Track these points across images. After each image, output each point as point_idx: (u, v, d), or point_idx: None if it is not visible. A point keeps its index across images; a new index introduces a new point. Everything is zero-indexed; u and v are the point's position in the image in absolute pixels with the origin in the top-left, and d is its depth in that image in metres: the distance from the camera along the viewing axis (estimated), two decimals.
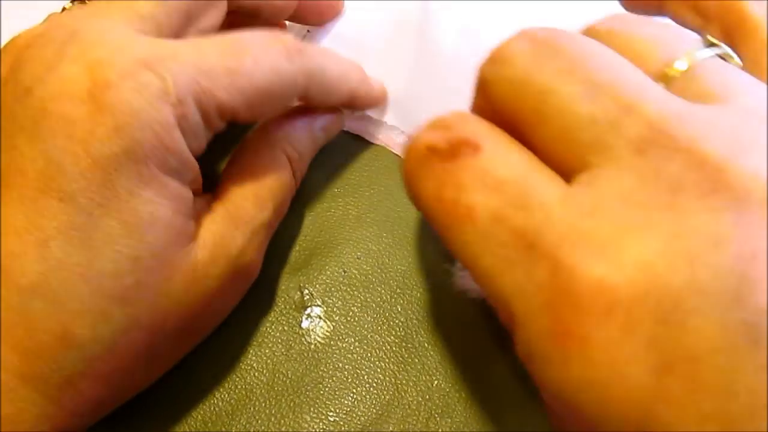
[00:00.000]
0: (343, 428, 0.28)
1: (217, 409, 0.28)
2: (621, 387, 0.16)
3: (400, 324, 0.30)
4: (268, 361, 0.29)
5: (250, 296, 0.29)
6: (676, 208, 0.16)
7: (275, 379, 0.28)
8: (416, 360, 0.29)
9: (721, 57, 0.21)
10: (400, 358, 0.29)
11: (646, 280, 0.16)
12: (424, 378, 0.28)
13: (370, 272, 0.31)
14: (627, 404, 0.16)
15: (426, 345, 0.29)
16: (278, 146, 0.29)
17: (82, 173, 0.21)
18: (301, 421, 0.27)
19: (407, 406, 0.28)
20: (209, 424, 0.26)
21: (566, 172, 0.19)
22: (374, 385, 0.28)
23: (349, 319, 0.30)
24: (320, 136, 0.31)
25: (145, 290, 0.22)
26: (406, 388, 0.28)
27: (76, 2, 0.28)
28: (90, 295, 0.21)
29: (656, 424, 0.16)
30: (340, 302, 0.30)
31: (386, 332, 0.29)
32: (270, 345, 0.29)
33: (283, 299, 0.30)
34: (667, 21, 0.23)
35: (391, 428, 0.28)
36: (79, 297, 0.21)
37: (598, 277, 0.16)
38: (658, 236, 0.16)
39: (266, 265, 0.29)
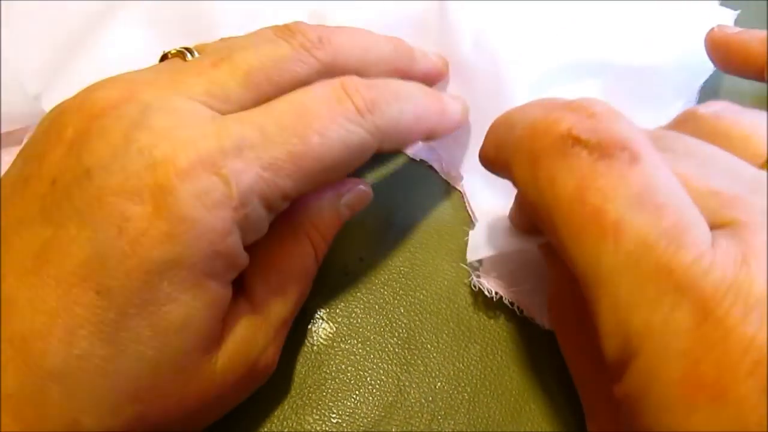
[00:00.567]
0: (345, 429, 0.28)
1: None
2: None
3: (403, 326, 0.30)
4: None
5: None
6: None
7: (278, 381, 0.28)
8: (419, 362, 0.29)
9: None
10: (403, 360, 0.29)
11: None
12: (427, 380, 0.29)
13: (372, 274, 0.31)
14: None
15: (429, 347, 0.29)
16: (302, 231, 0.27)
17: (127, 272, 0.21)
18: (304, 423, 0.27)
19: (410, 408, 0.28)
20: (213, 426, 0.26)
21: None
22: (377, 386, 0.28)
23: (351, 320, 0.30)
24: (345, 214, 0.29)
25: (159, 392, 0.22)
26: (409, 390, 0.28)
27: (179, 53, 0.27)
28: (105, 390, 0.21)
29: None
30: (342, 304, 0.30)
31: (389, 334, 0.29)
32: None
33: None
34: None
35: (393, 430, 0.28)
36: (95, 390, 0.21)
37: (751, 334, 0.16)
38: None
39: None
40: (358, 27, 0.31)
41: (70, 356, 0.20)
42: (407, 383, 0.29)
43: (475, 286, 0.30)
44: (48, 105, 0.33)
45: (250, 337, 0.24)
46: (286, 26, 0.27)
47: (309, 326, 0.30)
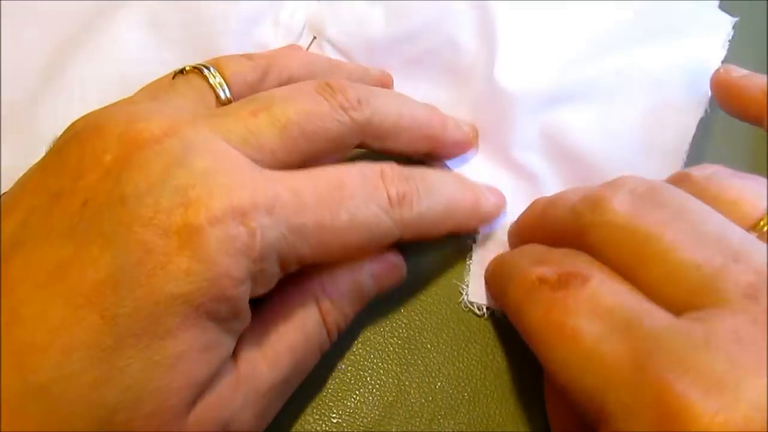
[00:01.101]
0: (346, 429, 0.28)
1: None
2: None
3: (403, 326, 0.30)
4: None
5: None
6: None
7: None
8: (419, 362, 0.29)
9: None
10: (403, 360, 0.29)
11: (761, 419, 0.17)
12: (427, 380, 0.29)
13: None
14: None
15: (429, 347, 0.29)
16: (310, 293, 0.26)
17: (135, 301, 0.21)
18: (304, 423, 0.27)
19: (410, 408, 0.28)
20: None
21: (671, 309, 0.20)
22: (377, 386, 0.28)
23: (352, 320, 0.30)
24: (369, 285, 0.28)
25: (129, 429, 0.21)
26: (409, 390, 0.28)
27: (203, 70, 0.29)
28: (81, 415, 0.21)
29: None
30: None
31: (389, 334, 0.30)
32: None
33: None
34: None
35: (394, 429, 0.28)
36: (73, 413, 0.21)
37: (712, 412, 0.17)
38: None
39: None
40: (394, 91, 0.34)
41: (57, 376, 0.20)
42: (407, 383, 0.29)
43: (466, 306, 0.30)
44: (46, 105, 0.33)
45: (225, 393, 0.23)
46: (327, 84, 0.28)
47: None
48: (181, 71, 0.29)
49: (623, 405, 0.19)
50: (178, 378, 0.22)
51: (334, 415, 0.28)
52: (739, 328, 0.18)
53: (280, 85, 0.30)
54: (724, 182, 0.24)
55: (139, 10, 0.35)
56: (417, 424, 0.28)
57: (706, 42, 0.34)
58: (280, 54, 0.32)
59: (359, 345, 0.29)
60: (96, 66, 0.34)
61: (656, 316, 0.20)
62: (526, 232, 0.29)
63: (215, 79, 0.29)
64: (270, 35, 0.37)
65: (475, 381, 0.29)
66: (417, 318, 0.30)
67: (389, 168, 0.27)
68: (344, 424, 0.28)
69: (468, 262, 0.31)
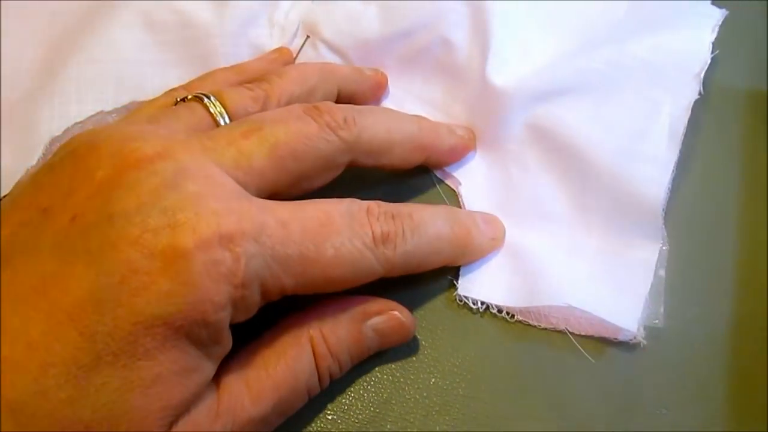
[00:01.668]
0: (341, 426, 0.28)
1: None
2: None
3: None
4: None
5: None
6: None
7: None
8: (414, 358, 0.29)
9: None
10: (398, 357, 0.29)
11: None
12: (422, 376, 0.29)
13: None
14: None
15: (424, 343, 0.29)
16: (307, 335, 0.26)
17: (116, 320, 0.21)
18: (299, 420, 0.27)
19: (405, 404, 0.28)
20: None
21: None
22: (372, 383, 0.29)
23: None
24: (371, 339, 0.28)
25: None
26: (404, 386, 0.28)
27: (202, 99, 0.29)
28: None
29: None
30: None
31: None
32: None
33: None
34: None
35: (389, 426, 0.28)
36: (47, 429, 0.20)
37: None
38: None
39: None
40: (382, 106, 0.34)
41: (33, 391, 0.20)
42: (402, 380, 0.29)
43: (460, 300, 0.30)
44: (44, 106, 0.33)
45: (203, 421, 0.23)
46: (314, 106, 0.28)
47: None
48: (183, 99, 0.30)
49: None
50: (154, 400, 0.22)
51: (329, 412, 0.28)
52: None
53: None
54: None
55: (134, 11, 0.35)
56: (412, 420, 0.28)
57: (696, 27, 0.34)
58: (276, 77, 0.32)
59: None
60: (92, 67, 0.34)
61: None
62: None
63: (216, 109, 0.29)
64: (265, 36, 0.37)
65: (469, 377, 0.29)
66: (411, 314, 0.30)
67: (376, 206, 0.27)
68: (339, 421, 0.28)
69: None
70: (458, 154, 0.34)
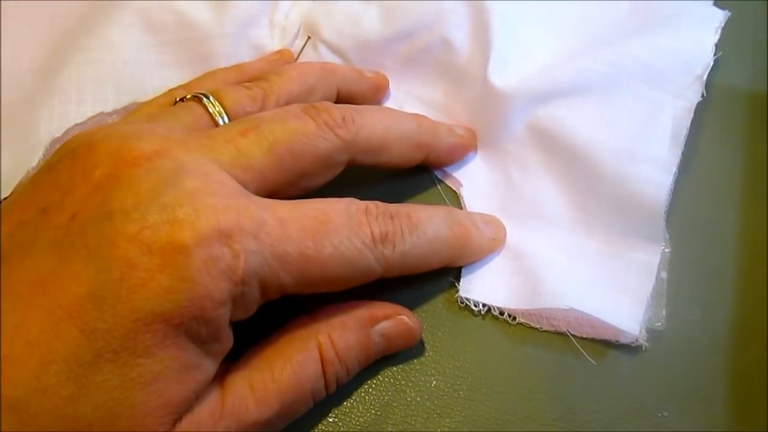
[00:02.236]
0: (342, 429, 0.28)
1: None
2: None
3: None
4: None
5: None
6: None
7: None
8: (415, 360, 0.29)
9: None
10: (399, 359, 0.29)
11: None
12: (423, 378, 0.29)
13: None
14: None
15: (425, 345, 0.29)
16: (314, 340, 0.26)
17: (116, 317, 0.21)
18: (300, 422, 0.27)
19: (406, 407, 0.28)
20: None
21: None
22: (373, 385, 0.28)
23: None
24: (378, 343, 0.28)
25: None
26: (405, 389, 0.28)
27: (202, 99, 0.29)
28: (57, 429, 0.20)
29: None
30: None
31: None
32: None
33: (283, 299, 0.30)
34: None
35: (390, 428, 0.28)
36: (48, 426, 0.20)
37: None
38: None
39: None
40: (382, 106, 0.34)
41: (33, 389, 0.20)
42: (403, 382, 0.29)
43: (462, 302, 0.30)
44: (43, 106, 0.33)
45: (207, 421, 0.23)
46: (312, 105, 0.28)
47: None
48: (182, 99, 0.30)
49: None
50: (154, 397, 0.22)
51: (330, 415, 0.28)
52: None
53: None
54: None
55: (134, 12, 0.35)
56: (413, 423, 0.28)
57: (698, 29, 0.34)
58: (275, 76, 0.32)
59: None
60: (92, 67, 0.34)
61: None
62: None
63: (215, 108, 0.29)
64: (265, 37, 0.37)
65: (471, 380, 0.29)
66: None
67: (374, 206, 0.27)
68: (340, 424, 0.28)
69: None
70: (458, 153, 0.34)
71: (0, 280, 0.22)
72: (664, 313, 0.30)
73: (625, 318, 0.29)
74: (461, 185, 0.33)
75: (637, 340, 0.29)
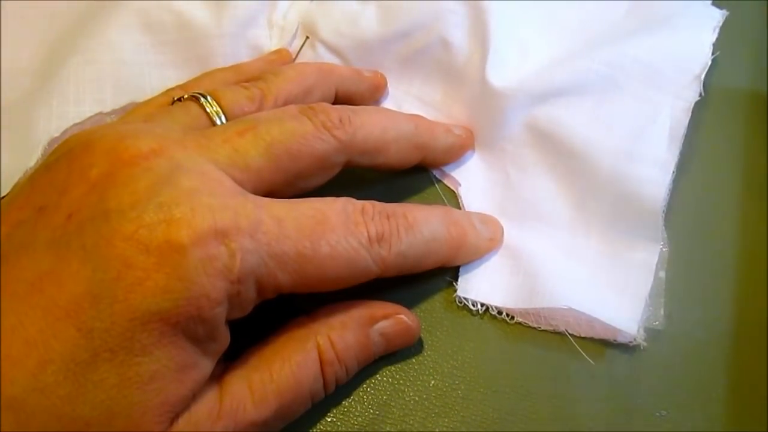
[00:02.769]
0: (340, 428, 0.28)
1: None
2: None
3: None
4: None
5: None
6: None
7: None
8: (413, 360, 0.29)
9: None
10: (398, 358, 0.29)
11: None
12: (421, 378, 0.29)
13: None
14: None
15: (423, 345, 0.29)
16: (313, 340, 0.26)
17: (113, 316, 0.21)
18: (299, 422, 0.27)
19: (404, 406, 0.28)
20: None
21: None
22: (372, 385, 0.28)
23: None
24: (378, 343, 0.28)
25: None
26: (403, 388, 0.28)
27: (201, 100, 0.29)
28: (55, 429, 0.21)
29: None
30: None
31: None
32: None
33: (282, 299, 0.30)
34: None
35: (388, 428, 0.28)
36: (46, 426, 0.21)
37: None
38: None
39: None
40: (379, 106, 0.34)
41: (31, 388, 0.20)
42: (402, 382, 0.29)
43: (460, 301, 0.30)
44: (42, 106, 0.33)
45: (204, 421, 0.23)
46: (309, 106, 0.28)
47: None
48: (180, 99, 0.30)
49: None
50: (152, 396, 0.22)
51: (328, 415, 0.28)
52: None
53: None
54: None
55: (132, 12, 0.35)
56: (411, 422, 0.28)
57: (696, 28, 0.34)
58: (273, 76, 0.32)
59: None
60: (90, 68, 0.34)
61: None
62: None
63: (212, 108, 0.29)
64: (264, 37, 0.37)
65: (469, 379, 0.29)
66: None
67: (371, 205, 0.27)
68: (339, 423, 0.28)
69: None
70: (455, 153, 0.34)
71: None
72: (662, 312, 0.30)
73: (623, 317, 0.29)
74: (459, 185, 0.33)
75: (635, 340, 0.29)
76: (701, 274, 0.31)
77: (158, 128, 0.26)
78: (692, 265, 0.31)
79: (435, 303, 0.30)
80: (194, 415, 0.23)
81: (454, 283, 0.30)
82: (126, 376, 0.21)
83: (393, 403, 0.28)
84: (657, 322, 0.29)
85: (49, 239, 0.22)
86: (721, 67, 0.35)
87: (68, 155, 0.24)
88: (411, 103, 0.36)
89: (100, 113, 0.34)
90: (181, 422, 0.23)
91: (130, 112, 0.32)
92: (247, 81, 0.31)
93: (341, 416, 0.28)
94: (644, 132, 0.32)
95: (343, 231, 0.25)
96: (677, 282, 0.31)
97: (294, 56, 0.37)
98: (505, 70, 0.34)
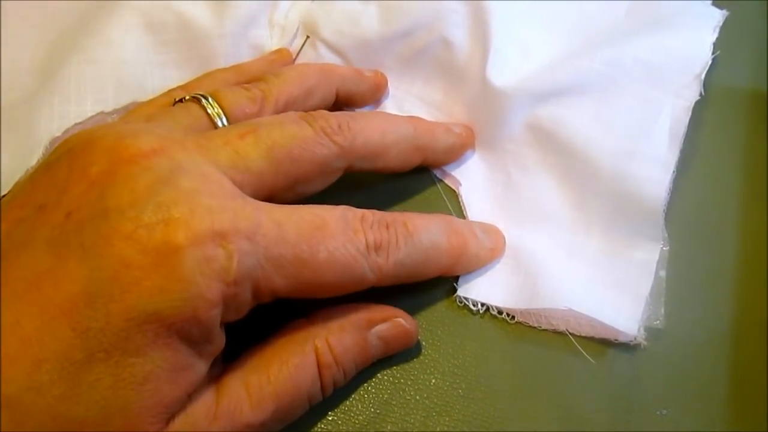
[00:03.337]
0: (341, 427, 0.28)
1: None
2: None
3: None
4: None
5: None
6: None
7: None
8: (414, 359, 0.29)
9: None
10: (399, 357, 0.29)
11: None
12: (422, 377, 0.29)
13: None
14: None
15: (424, 344, 0.29)
16: (311, 343, 0.26)
17: (108, 316, 0.21)
18: (300, 421, 0.27)
19: (406, 405, 0.28)
20: None
21: None
22: (373, 384, 0.28)
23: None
24: (376, 346, 0.28)
25: None
26: (404, 387, 0.28)
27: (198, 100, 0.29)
28: (49, 428, 0.21)
29: None
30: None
31: None
32: None
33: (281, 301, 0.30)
34: None
35: (389, 427, 0.28)
36: (41, 425, 0.20)
37: None
38: None
39: None
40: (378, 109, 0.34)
41: (27, 387, 0.20)
42: (403, 381, 0.29)
43: (461, 301, 0.30)
44: (43, 105, 0.33)
45: (201, 422, 0.23)
46: (309, 113, 0.28)
47: None
48: (181, 99, 0.30)
49: None
50: (146, 397, 0.22)
51: (330, 413, 0.28)
52: None
53: (277, 112, 0.30)
54: None
55: (134, 12, 0.35)
56: (412, 421, 0.28)
57: (697, 28, 0.34)
58: (274, 77, 0.32)
59: None
60: (91, 67, 0.34)
61: None
62: None
63: (213, 110, 0.29)
64: (265, 36, 0.37)
65: (470, 378, 0.29)
66: (412, 315, 0.30)
67: (371, 214, 0.27)
68: (340, 422, 0.28)
69: None
70: (456, 152, 0.34)
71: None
72: (662, 311, 0.30)
73: (624, 317, 0.29)
74: (460, 184, 0.34)
75: (635, 339, 0.29)
76: (701, 274, 0.31)
77: (159, 128, 0.26)
78: (692, 264, 0.31)
79: (436, 302, 0.30)
80: (191, 416, 0.23)
81: (455, 283, 0.30)
82: (120, 377, 0.21)
83: (394, 402, 0.28)
84: (657, 322, 0.29)
85: (48, 237, 0.22)
86: (721, 66, 0.35)
87: (69, 154, 0.24)
88: (412, 103, 0.36)
89: (102, 113, 0.34)
90: (177, 422, 0.23)
91: (131, 112, 0.32)
92: (248, 81, 0.31)
93: (342, 415, 0.28)
94: (645, 131, 0.32)
95: (341, 238, 0.25)
96: (677, 281, 0.31)
97: (295, 56, 0.37)
98: (506, 70, 0.34)
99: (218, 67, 0.35)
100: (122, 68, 0.35)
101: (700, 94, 0.33)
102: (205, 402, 0.24)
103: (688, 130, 0.33)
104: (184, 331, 0.22)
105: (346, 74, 0.35)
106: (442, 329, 0.30)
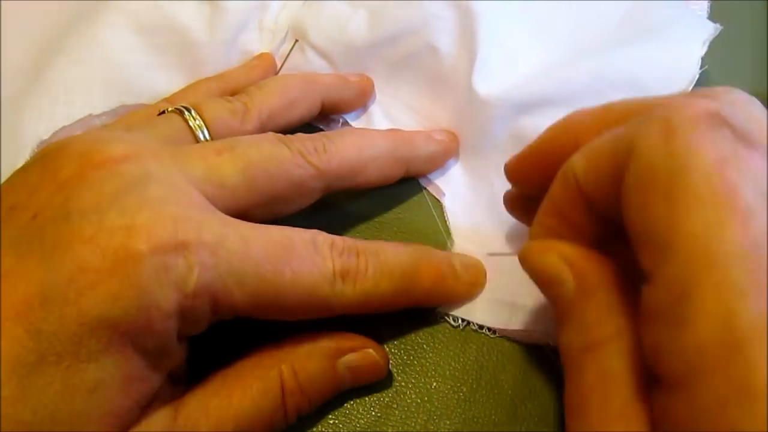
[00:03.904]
0: (342, 430, 0.28)
1: None
2: None
3: (399, 326, 0.30)
4: None
5: None
6: None
7: None
8: (415, 362, 0.29)
9: None
10: (399, 360, 0.29)
11: None
12: (423, 380, 0.29)
13: None
14: None
15: (425, 347, 0.29)
16: (277, 368, 0.26)
17: (61, 318, 0.20)
18: (300, 424, 0.27)
19: (406, 408, 0.28)
20: None
21: None
22: (373, 387, 0.28)
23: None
24: (344, 377, 0.27)
25: None
26: (405, 390, 0.28)
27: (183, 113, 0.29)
28: None
29: None
30: None
31: (386, 334, 0.29)
32: None
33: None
34: None
35: (390, 430, 0.28)
36: None
37: None
38: None
39: None
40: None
41: None
42: (403, 383, 0.29)
43: (441, 317, 0.30)
44: (31, 107, 0.33)
45: None
46: (287, 135, 0.29)
47: None
48: (164, 111, 0.30)
49: None
50: (95, 405, 0.21)
51: (330, 416, 0.28)
52: None
53: (261, 125, 0.31)
54: None
55: (123, 14, 0.35)
56: (413, 424, 0.28)
57: (687, 42, 0.35)
58: (256, 89, 0.32)
59: None
60: (80, 68, 0.34)
61: None
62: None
63: (195, 122, 0.29)
64: (254, 41, 0.37)
65: (470, 381, 0.29)
66: (412, 318, 0.30)
67: (341, 240, 0.27)
68: (340, 425, 0.28)
69: None
70: (439, 160, 0.34)
71: None
72: None
73: None
74: (444, 194, 0.34)
75: None
76: None
77: (136, 137, 0.26)
78: None
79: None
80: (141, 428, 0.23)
81: None
82: (71, 382, 0.21)
83: (395, 405, 0.28)
84: None
85: (13, 238, 0.22)
86: (721, 67, 0.35)
87: (44, 158, 0.24)
88: (398, 109, 0.36)
89: (90, 115, 0.33)
90: None
91: (115, 122, 0.32)
92: (232, 90, 0.32)
93: (343, 418, 0.28)
94: None
95: (308, 262, 0.25)
96: None
97: (283, 60, 0.37)
98: (492, 79, 0.34)
99: (207, 69, 0.35)
100: (111, 69, 0.34)
101: None
102: (162, 420, 0.23)
103: None
104: (139, 341, 0.22)
105: (330, 82, 0.35)
106: (443, 332, 0.30)
